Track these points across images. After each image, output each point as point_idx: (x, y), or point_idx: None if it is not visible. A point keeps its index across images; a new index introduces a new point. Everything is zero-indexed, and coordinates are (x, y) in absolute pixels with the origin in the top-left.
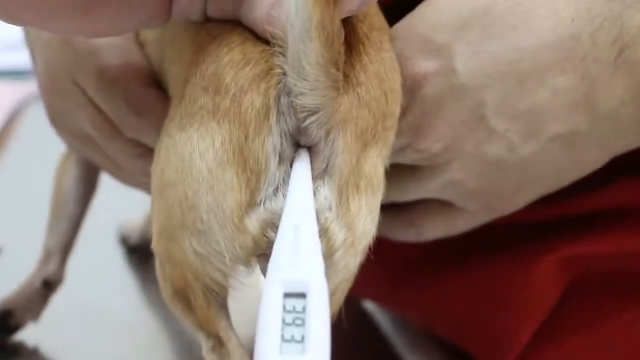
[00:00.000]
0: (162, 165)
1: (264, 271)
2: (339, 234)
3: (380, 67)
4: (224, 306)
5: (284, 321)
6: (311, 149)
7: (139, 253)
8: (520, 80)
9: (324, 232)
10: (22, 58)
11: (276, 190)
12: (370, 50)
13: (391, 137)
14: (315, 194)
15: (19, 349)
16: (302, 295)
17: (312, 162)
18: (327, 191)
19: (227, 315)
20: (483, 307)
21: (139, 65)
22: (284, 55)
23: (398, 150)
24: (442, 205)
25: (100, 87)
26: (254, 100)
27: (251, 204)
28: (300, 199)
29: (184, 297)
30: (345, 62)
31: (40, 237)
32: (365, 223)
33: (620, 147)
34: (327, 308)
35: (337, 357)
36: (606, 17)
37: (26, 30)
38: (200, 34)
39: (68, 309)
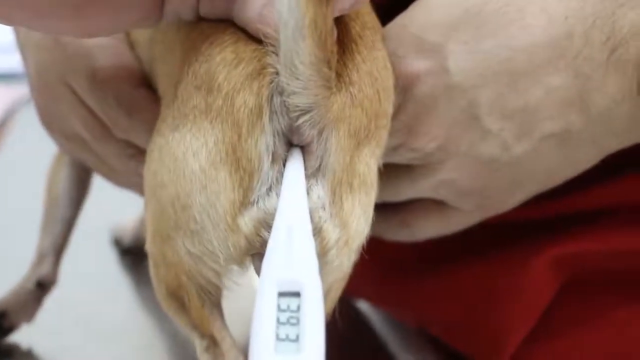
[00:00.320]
0: (155, 165)
1: (258, 270)
2: (332, 233)
3: (373, 65)
4: (217, 306)
5: (278, 320)
6: (304, 148)
7: (132, 254)
8: (513, 79)
9: (317, 231)
10: (13, 60)
11: (269, 189)
12: (363, 49)
13: (384, 135)
14: (308, 193)
15: (13, 350)
16: (296, 294)
17: (305, 161)
18: (320, 190)
19: (221, 315)
20: (476, 306)
21: (130, 65)
22: (277, 54)
23: (391, 150)
24: (435, 205)
25: (91, 87)
26: (246, 99)
27: (244, 204)
28: (294, 198)
29: (177, 297)
30: (338, 61)
31: (33, 238)
32: (359, 222)
33: (613, 145)
34: (322, 307)
35: (330, 357)
36: (598, 15)
37: (17, 31)
38: (192, 33)
39: (62, 310)
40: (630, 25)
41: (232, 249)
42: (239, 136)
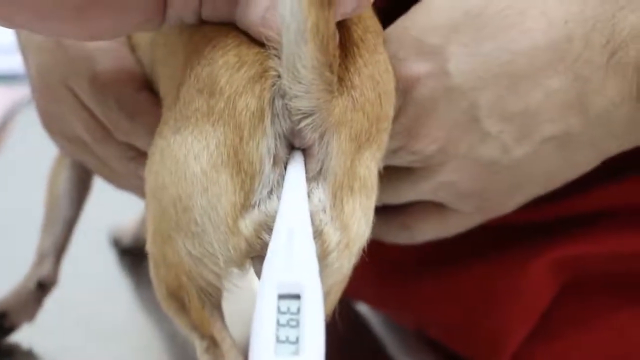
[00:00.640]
0: (156, 167)
1: (258, 273)
2: (333, 236)
3: (374, 69)
4: (218, 307)
5: (278, 322)
6: (305, 151)
7: (132, 255)
8: (513, 82)
9: (318, 234)
10: (14, 62)
11: (270, 192)
12: (365, 52)
13: (385, 139)
14: (309, 196)
15: (13, 350)
16: (297, 297)
17: (306, 164)
18: (321, 193)
19: (221, 316)
20: (476, 309)
21: (131, 68)
22: (279, 58)
23: (391, 152)
24: (435, 207)
25: (92, 90)
26: (248, 103)
27: (245, 206)
28: (295, 201)
29: (178, 298)
30: (340, 65)
31: (34, 239)
32: (359, 225)
33: (613, 148)
34: (322, 309)
35: (330, 359)
36: (598, 18)
37: (18, 32)
38: (194, 36)
39: (62, 310)
40: (630, 28)
41: (232, 251)
42: (241, 139)
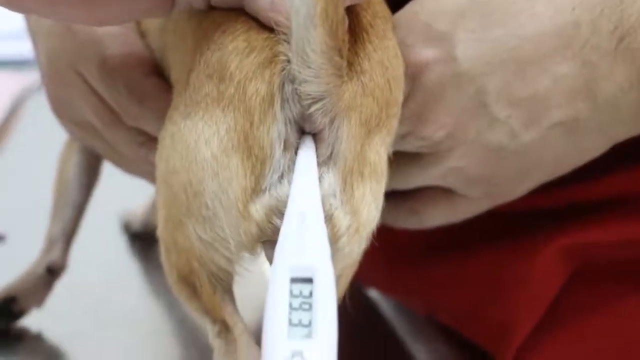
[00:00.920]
0: (167, 152)
1: (269, 258)
2: (343, 220)
3: (384, 54)
4: (229, 291)
5: (290, 306)
6: (316, 136)
7: (142, 240)
8: (521, 68)
9: (328, 219)
10: (24, 47)
11: (281, 176)
12: (374, 38)
13: (394, 124)
14: (319, 181)
15: (23, 334)
16: (309, 280)
17: (316, 149)
18: (331, 178)
19: (233, 301)
20: (484, 296)
21: (140, 53)
22: (288, 43)
23: (400, 138)
24: (443, 193)
25: (101, 75)
26: (258, 88)
27: (256, 191)
28: (306, 185)
29: (189, 283)
30: (349, 50)
31: (44, 224)
32: (370, 209)
33: (621, 134)
34: (334, 292)
35: (341, 344)
36: (606, 4)
37: (28, 18)
38: (204, 22)
39: (72, 295)
40: (638, 14)
41: (243, 235)
42: (251, 124)
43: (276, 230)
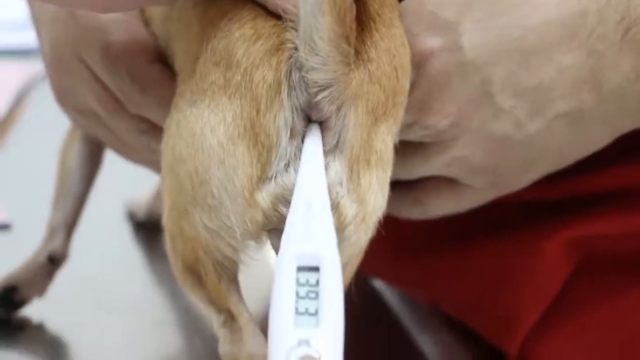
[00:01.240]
0: (173, 140)
1: (274, 246)
2: (349, 209)
3: (391, 43)
4: (234, 281)
5: (297, 294)
6: (322, 124)
7: (146, 229)
8: (526, 57)
9: (334, 207)
10: (28, 37)
11: (287, 165)
12: (381, 26)
13: (401, 112)
14: (326, 169)
15: (24, 324)
16: (315, 269)
17: (323, 137)
18: (337, 166)
19: (238, 290)
20: (491, 286)
21: (144, 41)
22: (296, 30)
23: (404, 127)
24: (447, 183)
25: (105, 62)
26: (265, 75)
27: (262, 178)
28: (312, 173)
29: (194, 272)
30: (356, 38)
31: (48, 214)
32: (376, 198)
33: (626, 125)
34: (340, 281)
35: (346, 334)
36: None
37: (31, 5)
38: (209, 9)
39: (74, 284)
40: None
41: (249, 224)
42: (258, 111)
43: (282, 219)
